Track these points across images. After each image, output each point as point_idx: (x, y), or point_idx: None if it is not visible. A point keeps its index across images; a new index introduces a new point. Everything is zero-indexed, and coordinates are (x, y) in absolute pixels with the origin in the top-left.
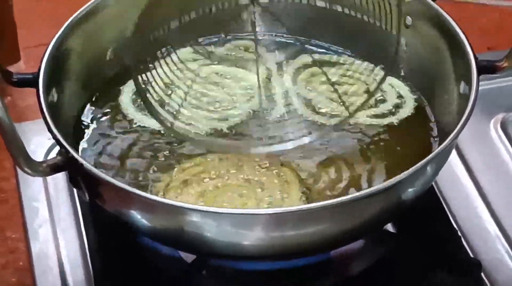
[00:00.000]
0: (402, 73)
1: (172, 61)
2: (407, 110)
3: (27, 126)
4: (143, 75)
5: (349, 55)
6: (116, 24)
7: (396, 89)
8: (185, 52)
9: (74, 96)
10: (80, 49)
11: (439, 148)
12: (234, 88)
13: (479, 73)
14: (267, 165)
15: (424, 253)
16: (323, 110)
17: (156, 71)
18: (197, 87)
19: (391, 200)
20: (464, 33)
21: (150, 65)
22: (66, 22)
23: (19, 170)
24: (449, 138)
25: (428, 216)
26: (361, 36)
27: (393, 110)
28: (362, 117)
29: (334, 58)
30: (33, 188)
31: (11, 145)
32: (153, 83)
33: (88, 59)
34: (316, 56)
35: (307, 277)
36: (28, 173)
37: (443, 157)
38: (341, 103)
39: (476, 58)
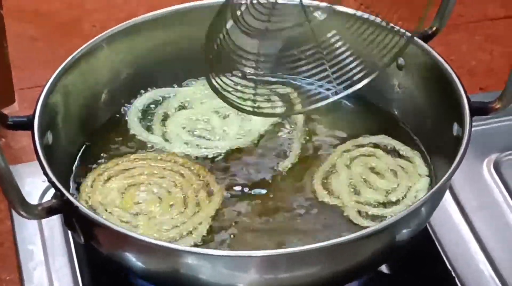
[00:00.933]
0: (396, 113)
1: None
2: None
3: (22, 168)
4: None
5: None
6: (110, 66)
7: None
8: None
9: (69, 138)
10: (75, 91)
11: (432, 189)
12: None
13: (472, 114)
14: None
15: None
16: (330, 188)
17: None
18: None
19: (386, 241)
20: (457, 75)
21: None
22: (60, 64)
23: (14, 213)
24: (443, 179)
25: (422, 256)
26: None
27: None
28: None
29: (402, 149)
30: (28, 230)
31: (7, 188)
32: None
33: (83, 101)
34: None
35: None
36: (23, 216)
37: (437, 198)
38: (352, 191)
39: (469, 100)
